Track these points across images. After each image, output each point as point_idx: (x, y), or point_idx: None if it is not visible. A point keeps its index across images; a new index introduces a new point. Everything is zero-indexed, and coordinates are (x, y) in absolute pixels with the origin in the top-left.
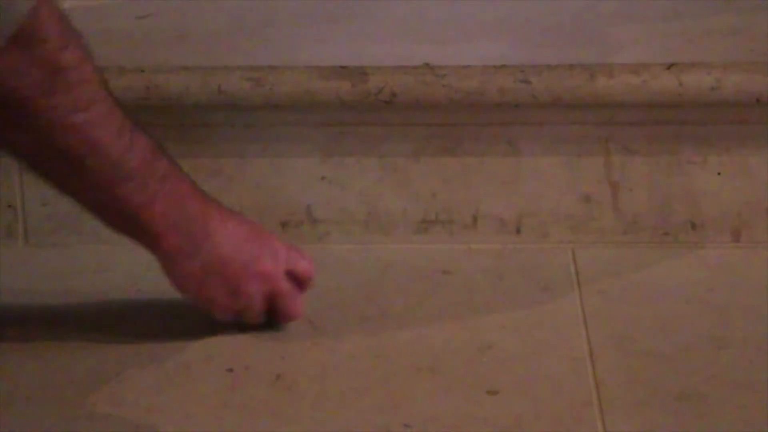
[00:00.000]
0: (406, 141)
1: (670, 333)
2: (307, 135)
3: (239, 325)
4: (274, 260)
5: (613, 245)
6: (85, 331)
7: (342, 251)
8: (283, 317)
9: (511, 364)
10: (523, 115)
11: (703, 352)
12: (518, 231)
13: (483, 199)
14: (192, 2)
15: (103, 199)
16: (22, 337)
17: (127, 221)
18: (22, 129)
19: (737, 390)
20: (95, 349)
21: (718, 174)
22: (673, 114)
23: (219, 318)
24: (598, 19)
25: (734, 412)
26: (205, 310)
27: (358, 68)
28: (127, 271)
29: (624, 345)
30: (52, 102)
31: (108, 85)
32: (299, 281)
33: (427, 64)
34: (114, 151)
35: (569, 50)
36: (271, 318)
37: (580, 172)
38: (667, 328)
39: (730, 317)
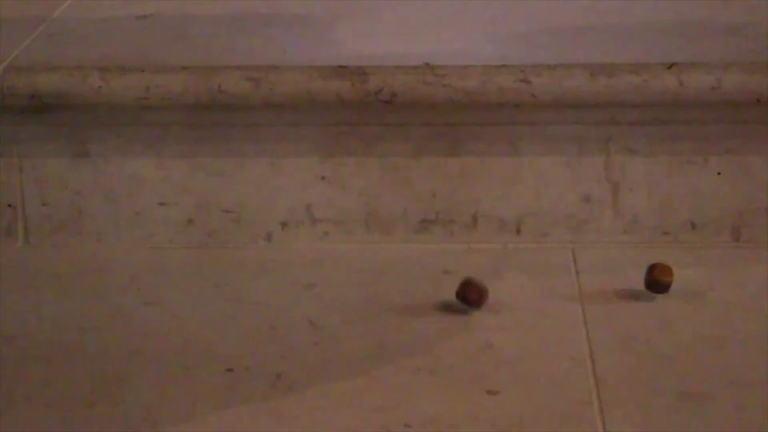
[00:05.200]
0: (406, 141)
1: (670, 333)
2: (307, 135)
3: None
4: None
5: (613, 245)
6: (85, 331)
7: (342, 251)
8: None
9: (511, 364)
10: (523, 115)
11: (703, 352)
12: (518, 231)
13: (483, 199)
14: (192, 2)
15: None
16: (22, 337)
17: None
18: None
19: (737, 390)
20: (95, 349)
21: (718, 174)
22: (674, 114)
23: None
24: (598, 19)
25: (734, 412)
26: None
27: (358, 68)
28: (127, 271)
29: (624, 345)
30: None
31: None
32: None
33: (427, 64)
34: None
35: (569, 50)
36: None
37: (580, 172)
38: (667, 328)
39: (730, 317)
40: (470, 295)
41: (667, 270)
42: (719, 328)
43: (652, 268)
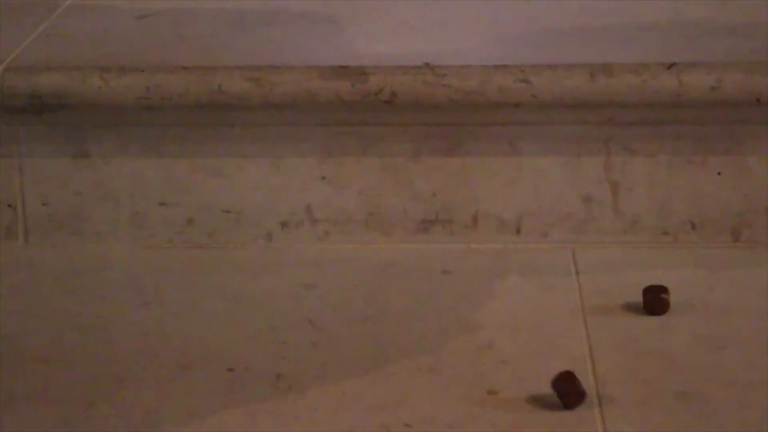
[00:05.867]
0: (406, 141)
1: (670, 333)
2: (307, 135)
3: None
4: None
5: (613, 245)
6: (85, 331)
7: (342, 251)
8: None
9: (511, 364)
10: (523, 115)
11: (703, 352)
12: (518, 231)
13: (483, 199)
14: (192, 2)
15: None
16: (23, 337)
17: None
18: None
19: (737, 390)
20: (95, 349)
21: (718, 174)
22: (673, 114)
23: None
24: (598, 19)
25: (734, 412)
26: None
27: (358, 68)
28: (127, 271)
29: (624, 345)
30: None
31: None
32: None
33: (427, 64)
34: None
35: (569, 50)
36: None
37: (580, 172)
38: (667, 328)
39: (730, 318)
40: (567, 398)
41: (661, 298)
42: (719, 329)
43: (646, 292)
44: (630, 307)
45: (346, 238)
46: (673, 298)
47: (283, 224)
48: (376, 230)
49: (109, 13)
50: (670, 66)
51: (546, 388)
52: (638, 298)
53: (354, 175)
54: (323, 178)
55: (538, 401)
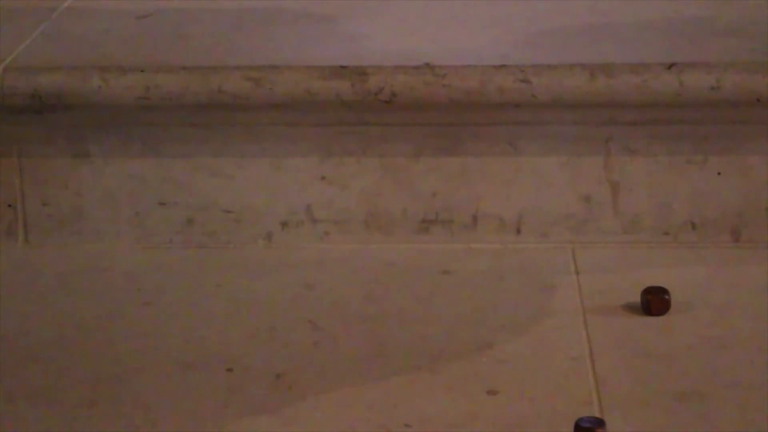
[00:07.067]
0: (406, 141)
1: (670, 333)
2: (307, 135)
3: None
4: None
5: (613, 245)
6: (85, 331)
7: (342, 251)
8: None
9: (511, 364)
10: (523, 115)
11: (703, 352)
12: (518, 231)
13: (483, 199)
14: (192, 2)
15: None
16: (22, 337)
17: None
18: None
19: (737, 390)
20: (95, 349)
21: (718, 174)
22: (673, 114)
23: None
24: (598, 19)
25: (734, 412)
26: None
27: (358, 68)
28: (127, 271)
29: (624, 345)
30: None
31: None
32: None
33: (427, 64)
34: None
35: (569, 50)
36: None
37: (580, 172)
38: (667, 329)
39: (730, 317)
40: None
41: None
42: (719, 329)
43: (646, 292)
44: (630, 307)
45: (346, 238)
46: (673, 298)
47: (283, 224)
48: (376, 230)
49: (109, 13)
50: (670, 66)
51: (546, 388)
52: (638, 298)
53: (354, 175)
54: (323, 178)
55: (538, 401)
